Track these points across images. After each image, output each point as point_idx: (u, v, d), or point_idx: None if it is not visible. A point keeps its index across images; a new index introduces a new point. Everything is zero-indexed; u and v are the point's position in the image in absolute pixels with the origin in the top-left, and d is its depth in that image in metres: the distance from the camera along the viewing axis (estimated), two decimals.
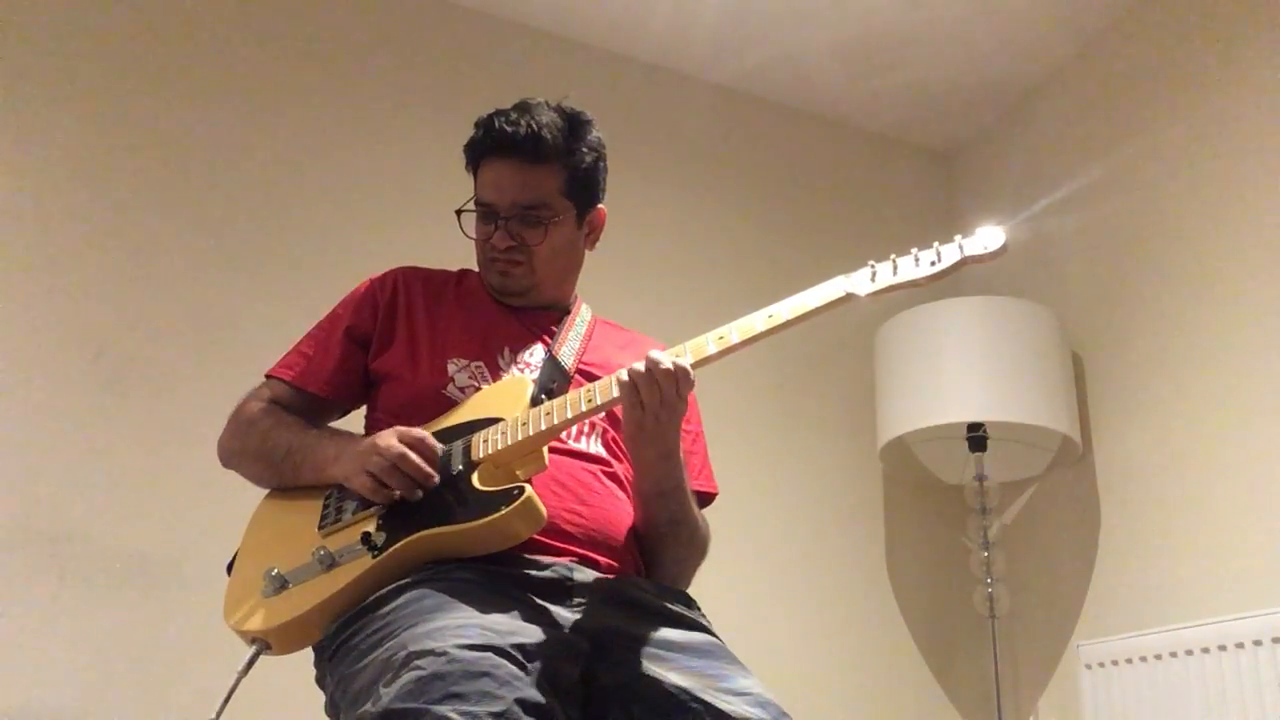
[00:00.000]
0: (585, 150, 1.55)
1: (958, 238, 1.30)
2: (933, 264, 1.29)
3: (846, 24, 3.02)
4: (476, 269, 1.67)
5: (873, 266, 1.32)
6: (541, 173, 1.52)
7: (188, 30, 2.65)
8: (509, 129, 1.50)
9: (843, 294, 1.31)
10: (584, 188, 1.57)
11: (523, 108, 1.54)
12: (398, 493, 1.32)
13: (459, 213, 1.57)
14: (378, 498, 1.33)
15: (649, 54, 3.14)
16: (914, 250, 1.31)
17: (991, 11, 2.97)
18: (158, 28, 2.62)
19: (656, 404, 1.31)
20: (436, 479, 1.33)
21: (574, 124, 1.55)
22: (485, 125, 1.54)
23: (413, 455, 1.32)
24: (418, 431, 1.35)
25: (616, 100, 3.07)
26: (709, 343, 1.34)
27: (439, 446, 1.35)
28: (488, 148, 1.53)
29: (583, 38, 3.07)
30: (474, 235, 1.56)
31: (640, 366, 1.31)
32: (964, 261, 1.28)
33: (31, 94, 2.44)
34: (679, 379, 1.31)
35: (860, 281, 1.31)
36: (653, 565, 1.49)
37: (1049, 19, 2.99)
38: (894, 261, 1.31)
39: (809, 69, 3.20)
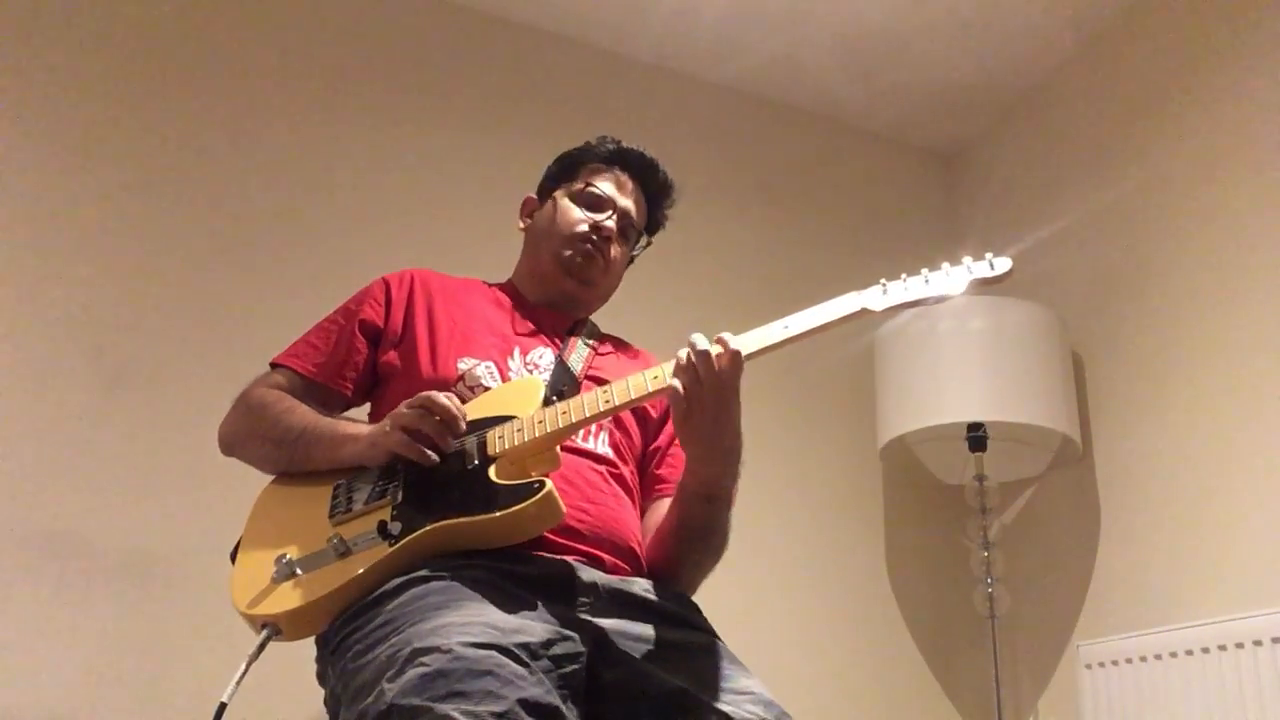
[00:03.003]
0: (665, 217, 1.79)
1: (966, 259, 1.37)
2: (942, 284, 1.36)
3: (846, 24, 3.02)
4: (484, 282, 1.70)
5: (883, 284, 1.37)
6: (644, 209, 1.75)
7: (188, 28, 2.65)
8: (653, 162, 1.74)
9: (858, 309, 1.35)
10: (646, 240, 1.77)
11: (652, 157, 1.76)
12: (429, 434, 1.33)
13: (554, 189, 1.70)
14: (410, 452, 1.33)
15: (649, 54, 3.14)
16: (924, 270, 1.37)
17: (991, 11, 2.97)
18: (159, 27, 2.62)
19: (695, 384, 1.28)
20: (463, 422, 1.35)
21: (673, 192, 1.78)
22: (635, 151, 1.73)
23: (439, 396, 1.34)
24: (438, 392, 1.38)
25: (616, 100, 3.07)
26: None
27: (459, 409, 1.37)
28: (630, 164, 1.72)
29: (583, 38, 3.07)
30: (587, 212, 1.66)
31: (684, 352, 1.31)
32: (972, 283, 1.36)
33: (31, 92, 2.44)
34: (725, 359, 1.28)
35: (873, 297, 1.36)
36: (671, 566, 1.48)
37: (1049, 19, 2.99)
38: (904, 280, 1.37)
39: (809, 69, 3.20)
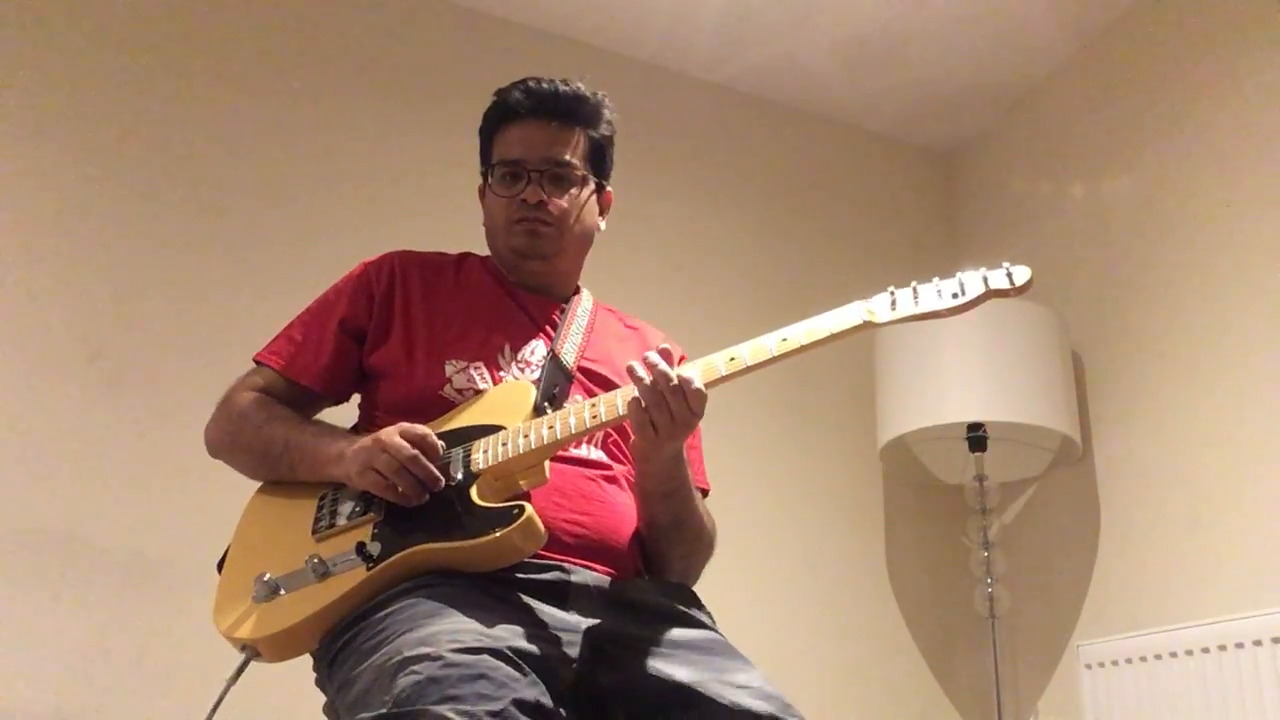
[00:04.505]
0: (605, 124, 1.60)
1: (982, 270, 1.27)
2: (955, 296, 1.26)
3: (846, 24, 3.02)
4: (476, 253, 1.65)
5: (892, 293, 1.28)
6: (572, 135, 1.55)
7: (185, 31, 2.65)
8: (548, 88, 1.54)
9: (860, 321, 1.28)
10: (601, 160, 1.61)
11: (548, 79, 1.57)
12: (403, 491, 1.29)
13: (486, 174, 1.58)
14: (387, 495, 1.30)
15: (649, 54, 3.14)
16: (935, 279, 1.28)
17: (991, 11, 2.97)
18: (157, 30, 2.62)
19: (668, 424, 1.28)
20: (443, 482, 1.30)
21: (595, 98, 1.59)
22: (520, 87, 1.56)
23: (423, 458, 1.29)
24: (421, 429, 1.33)
25: (616, 100, 3.06)
26: (720, 363, 1.31)
27: (441, 446, 1.33)
28: (520, 108, 1.54)
29: (583, 38, 3.07)
30: (501, 193, 1.54)
31: (643, 375, 1.27)
32: (987, 295, 1.25)
33: (30, 93, 2.44)
34: (689, 398, 1.27)
35: (879, 308, 1.28)
36: (660, 564, 1.48)
37: (1049, 19, 2.99)
38: (914, 289, 1.28)
39: (809, 69, 3.20)
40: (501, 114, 1.57)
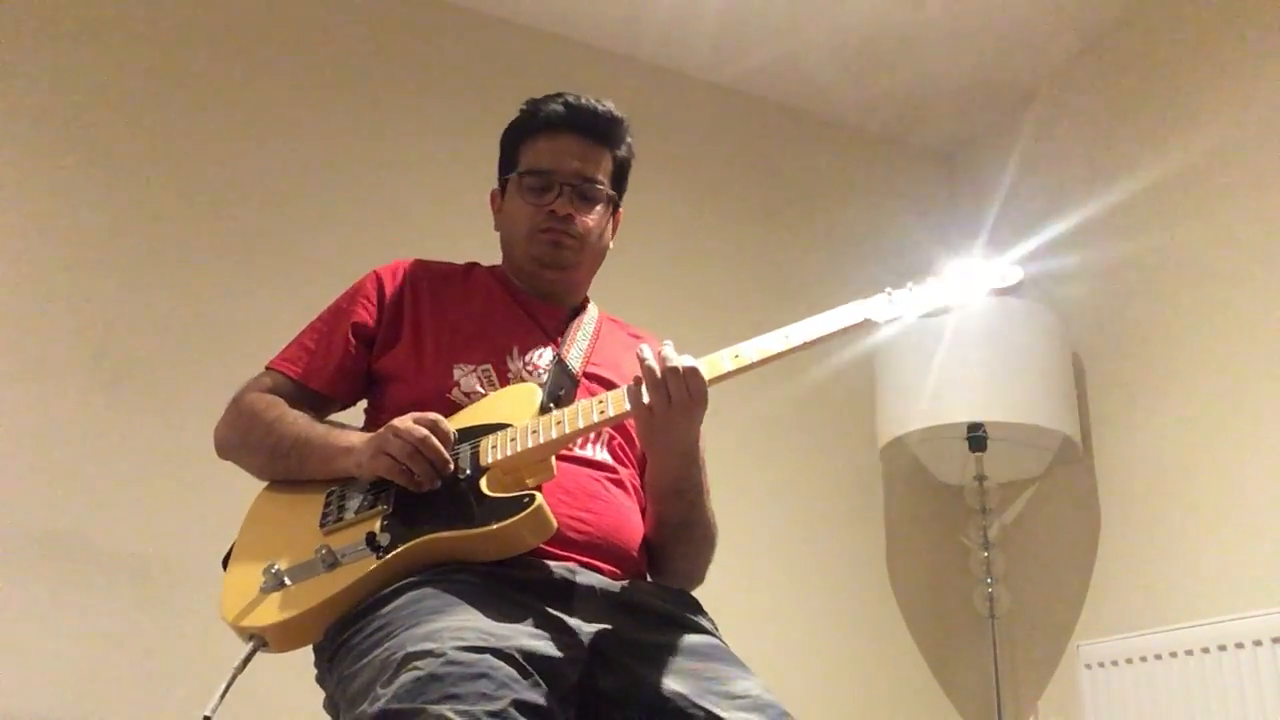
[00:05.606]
0: (626, 146, 1.64)
1: (976, 268, 1.34)
2: (952, 294, 1.32)
3: (846, 24, 3.02)
4: (482, 264, 1.67)
5: (889, 292, 1.34)
6: (601, 154, 1.59)
7: (187, 32, 2.65)
8: (588, 105, 1.58)
9: (861, 320, 1.32)
10: (621, 180, 1.64)
11: (585, 96, 1.61)
12: (416, 475, 1.30)
13: (505, 181, 1.61)
14: (399, 479, 1.31)
15: (649, 54, 3.14)
16: (930, 277, 1.34)
17: (991, 11, 2.97)
18: (158, 30, 2.62)
19: (664, 405, 1.31)
20: (453, 466, 1.32)
21: (623, 120, 1.63)
22: (559, 101, 1.58)
23: (434, 439, 1.31)
24: (433, 415, 1.34)
25: (616, 100, 3.05)
26: (725, 359, 1.34)
27: (452, 432, 1.35)
28: (557, 121, 1.57)
29: (583, 38, 3.07)
30: (530, 201, 1.56)
31: (646, 356, 1.30)
32: (983, 293, 1.32)
33: (32, 93, 2.44)
34: (687, 378, 1.30)
35: (879, 307, 1.33)
36: (663, 564, 1.49)
37: (1049, 19, 2.99)
38: (911, 288, 1.34)
39: (809, 69, 3.20)
40: (535, 124, 1.59)
